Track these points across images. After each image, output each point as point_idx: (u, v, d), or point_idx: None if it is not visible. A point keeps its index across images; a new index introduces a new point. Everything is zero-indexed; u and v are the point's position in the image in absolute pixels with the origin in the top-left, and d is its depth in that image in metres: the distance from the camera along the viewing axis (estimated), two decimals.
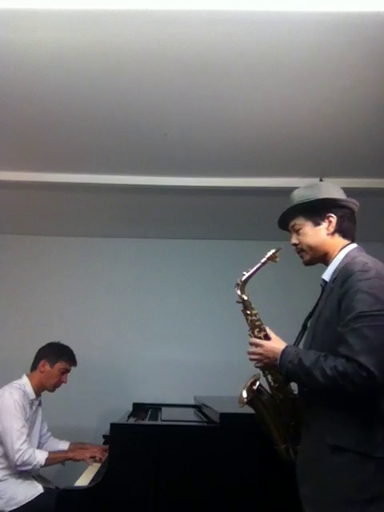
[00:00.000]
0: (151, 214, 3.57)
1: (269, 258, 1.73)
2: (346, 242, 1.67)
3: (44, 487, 2.48)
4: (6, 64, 1.99)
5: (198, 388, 3.32)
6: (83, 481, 2.26)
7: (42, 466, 2.45)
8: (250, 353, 1.67)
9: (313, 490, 1.51)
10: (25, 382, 2.63)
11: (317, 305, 1.68)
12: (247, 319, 1.74)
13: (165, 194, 3.17)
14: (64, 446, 2.82)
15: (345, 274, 1.53)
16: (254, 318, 1.73)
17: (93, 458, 2.58)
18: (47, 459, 2.46)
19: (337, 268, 1.60)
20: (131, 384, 3.65)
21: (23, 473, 2.45)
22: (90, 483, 2.15)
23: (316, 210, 1.68)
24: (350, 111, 2.28)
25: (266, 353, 1.63)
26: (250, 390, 1.72)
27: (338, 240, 1.67)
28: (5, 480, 2.44)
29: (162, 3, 1.68)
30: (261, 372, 1.73)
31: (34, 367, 2.70)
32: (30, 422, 2.62)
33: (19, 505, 2.37)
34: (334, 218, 1.66)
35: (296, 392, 1.71)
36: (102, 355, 3.76)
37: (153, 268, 4.00)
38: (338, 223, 1.66)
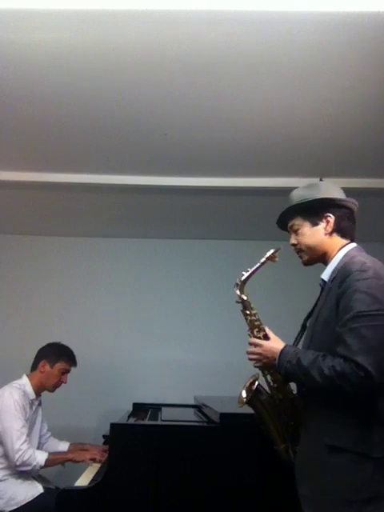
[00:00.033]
0: (151, 214, 3.57)
1: (268, 258, 1.73)
2: (345, 241, 1.67)
3: (44, 487, 2.48)
4: (5, 64, 1.99)
5: (198, 388, 3.32)
6: (83, 481, 2.26)
7: (41, 467, 2.45)
8: (248, 352, 1.67)
9: (311, 490, 1.51)
10: (25, 382, 2.63)
11: (316, 304, 1.68)
12: (246, 319, 1.74)
13: (165, 193, 3.17)
14: (64, 446, 2.82)
15: (343, 273, 1.53)
16: (253, 317, 1.73)
17: (93, 459, 2.58)
18: (47, 460, 2.45)
19: (336, 268, 1.60)
20: (131, 384, 3.64)
21: (23, 473, 2.45)
22: (90, 483, 2.15)
23: (314, 210, 1.68)
24: (349, 111, 2.28)
25: (264, 353, 1.63)
26: (249, 390, 1.72)
27: (337, 240, 1.67)
28: (5, 480, 2.44)
29: (162, 3, 1.68)
30: (260, 372, 1.73)
31: (34, 367, 2.70)
32: (30, 422, 2.62)
33: (19, 505, 2.37)
34: (331, 218, 1.66)
35: (295, 392, 1.71)
36: (102, 355, 3.76)
37: (153, 268, 4.00)
38: (336, 223, 1.66)
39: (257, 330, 1.70)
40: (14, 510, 2.36)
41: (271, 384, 1.72)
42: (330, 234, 1.66)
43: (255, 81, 2.07)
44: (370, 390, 1.40)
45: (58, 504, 1.98)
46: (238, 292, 1.75)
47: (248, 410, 1.77)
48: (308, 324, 1.69)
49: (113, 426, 2.08)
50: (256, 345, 1.66)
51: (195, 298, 3.95)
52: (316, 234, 1.67)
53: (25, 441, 2.43)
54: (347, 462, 1.43)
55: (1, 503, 2.37)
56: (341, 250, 1.64)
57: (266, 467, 1.95)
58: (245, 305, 1.75)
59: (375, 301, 1.43)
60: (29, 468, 2.41)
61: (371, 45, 1.84)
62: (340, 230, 1.66)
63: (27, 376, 2.67)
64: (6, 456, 2.44)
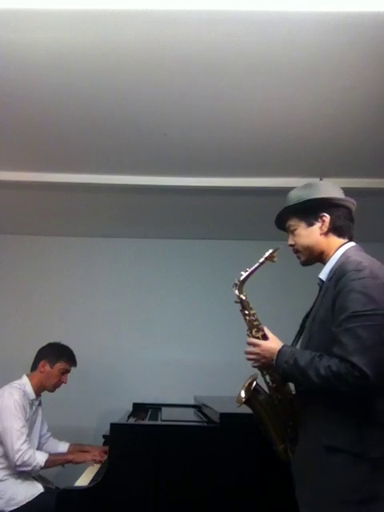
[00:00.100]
0: (151, 214, 3.57)
1: (267, 258, 1.73)
2: (342, 240, 1.66)
3: (44, 487, 2.48)
4: (5, 64, 1.99)
5: (198, 388, 3.32)
6: (83, 481, 2.26)
7: (41, 468, 2.45)
8: (247, 352, 1.67)
9: (308, 490, 1.51)
10: (25, 382, 2.63)
11: (314, 304, 1.68)
12: (245, 319, 1.74)
13: (165, 193, 3.17)
14: (64, 447, 2.82)
15: (339, 273, 1.53)
16: (252, 317, 1.72)
17: (93, 460, 2.58)
18: (47, 461, 2.45)
19: (333, 267, 1.60)
20: (131, 384, 3.64)
21: (23, 473, 2.45)
22: (90, 483, 2.15)
23: (309, 210, 1.67)
24: (350, 111, 2.28)
25: (262, 353, 1.63)
26: (247, 390, 1.72)
27: (334, 239, 1.66)
28: (5, 480, 2.44)
29: (162, 3, 1.68)
30: (259, 372, 1.73)
31: (34, 367, 2.70)
32: (30, 422, 2.62)
33: (19, 505, 2.37)
34: (327, 218, 1.65)
35: (295, 392, 1.71)
36: (102, 355, 3.76)
37: (153, 268, 4.00)
38: (332, 222, 1.65)
39: (255, 329, 1.70)
40: (14, 509, 2.36)
41: (270, 384, 1.71)
42: (326, 233, 1.66)
43: (255, 81, 2.07)
44: (366, 390, 1.40)
45: (58, 504, 1.98)
46: (236, 292, 1.75)
47: (248, 409, 1.77)
48: (306, 324, 1.69)
49: (113, 426, 2.08)
50: (254, 345, 1.66)
51: (195, 298, 3.95)
52: (312, 234, 1.67)
53: (25, 441, 2.43)
54: (344, 462, 1.43)
55: (1, 503, 2.37)
56: (339, 249, 1.64)
57: (265, 467, 1.95)
58: (243, 305, 1.75)
59: (371, 300, 1.43)
60: (29, 468, 2.41)
61: (371, 45, 1.84)
62: (336, 229, 1.66)
63: (27, 376, 2.67)
64: (6, 456, 2.44)
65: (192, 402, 3.13)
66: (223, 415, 2.04)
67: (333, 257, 1.64)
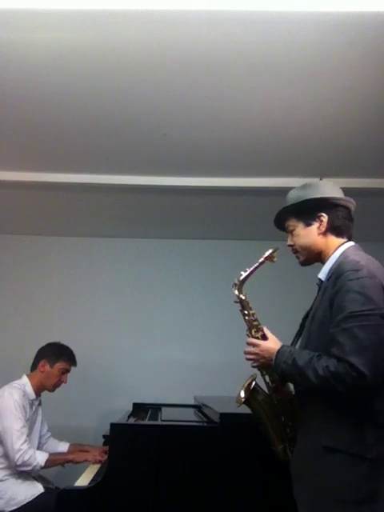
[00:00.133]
0: (151, 214, 3.57)
1: (266, 258, 1.73)
2: (341, 240, 1.66)
3: (44, 487, 2.48)
4: (5, 64, 1.99)
5: (198, 388, 3.32)
6: (83, 481, 2.26)
7: (41, 468, 2.45)
8: (246, 352, 1.67)
9: (307, 490, 1.51)
10: (25, 382, 2.63)
11: (313, 304, 1.68)
12: (245, 319, 1.74)
13: (165, 193, 3.16)
14: (64, 447, 2.82)
15: (337, 273, 1.53)
16: (251, 317, 1.73)
17: (93, 460, 2.58)
18: (47, 461, 2.46)
19: (332, 267, 1.60)
20: (131, 384, 3.64)
21: (23, 473, 2.45)
22: (90, 483, 2.15)
23: (307, 210, 1.67)
24: (350, 111, 2.28)
25: (261, 353, 1.63)
26: (247, 390, 1.72)
27: (332, 239, 1.66)
28: (5, 480, 2.44)
29: (162, 3, 1.68)
30: (259, 372, 1.73)
31: (33, 367, 2.70)
32: (30, 422, 2.62)
33: (19, 505, 2.37)
34: (325, 218, 1.65)
35: (294, 392, 1.71)
36: (102, 355, 3.76)
37: (153, 268, 4.00)
38: (330, 222, 1.65)
39: (255, 329, 1.70)
40: (15, 509, 2.36)
41: (269, 384, 1.72)
42: (325, 233, 1.66)
43: (255, 81, 2.07)
44: (364, 390, 1.40)
45: (58, 504, 1.98)
46: (236, 292, 1.75)
47: (248, 409, 1.77)
48: (305, 324, 1.69)
49: (113, 425, 2.08)
50: (253, 345, 1.66)
51: (195, 298, 3.95)
52: (310, 234, 1.67)
53: (25, 441, 2.43)
54: (342, 462, 1.43)
55: (1, 503, 2.38)
56: (338, 249, 1.64)
57: (265, 467, 1.95)
58: (243, 305, 1.75)
59: (368, 300, 1.43)
60: (29, 468, 2.41)
61: (371, 45, 1.84)
62: (334, 229, 1.66)
63: (27, 376, 2.67)
64: (6, 456, 2.44)
65: (192, 402, 3.13)
66: (223, 415, 2.04)
67: (332, 256, 1.64)
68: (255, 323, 1.72)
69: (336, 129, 2.43)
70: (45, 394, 2.76)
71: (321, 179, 2.74)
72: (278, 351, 1.58)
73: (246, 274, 1.74)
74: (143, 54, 1.92)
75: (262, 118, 2.36)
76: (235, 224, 3.72)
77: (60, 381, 2.69)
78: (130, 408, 3.15)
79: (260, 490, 1.98)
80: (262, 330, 1.70)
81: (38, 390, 2.68)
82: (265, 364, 1.65)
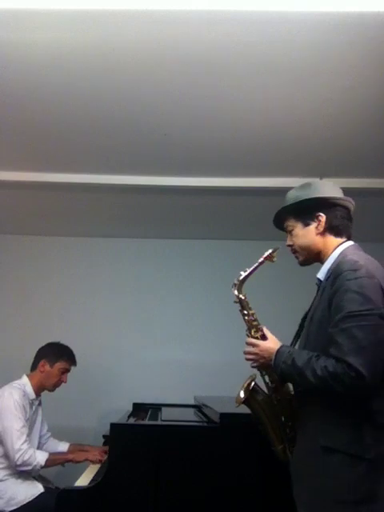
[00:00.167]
0: (151, 214, 3.57)
1: (266, 258, 1.73)
2: (340, 240, 1.65)
3: (44, 487, 2.48)
4: (5, 64, 1.99)
5: (198, 388, 3.32)
6: (83, 481, 2.26)
7: (41, 467, 2.45)
8: (246, 353, 1.67)
9: (306, 490, 1.51)
10: (25, 382, 2.63)
11: (312, 304, 1.67)
12: (244, 319, 1.74)
13: (165, 193, 3.17)
14: (64, 447, 2.82)
15: (336, 272, 1.53)
16: (251, 317, 1.72)
17: (93, 460, 2.58)
18: (47, 460, 2.46)
19: (331, 267, 1.60)
20: (131, 384, 3.64)
21: (23, 473, 2.46)
22: (90, 483, 2.16)
23: (305, 210, 1.67)
24: (350, 111, 2.28)
25: (261, 353, 1.63)
26: (246, 390, 1.72)
27: (331, 239, 1.66)
28: (5, 480, 2.44)
29: (162, 3, 1.68)
30: (258, 372, 1.73)
31: (33, 367, 2.70)
32: (30, 422, 2.62)
33: (19, 505, 2.37)
34: (323, 217, 1.65)
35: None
36: (102, 355, 3.76)
37: (153, 268, 4.00)
38: (328, 222, 1.65)
39: (254, 330, 1.70)
40: (15, 509, 2.36)
41: (269, 384, 1.71)
42: (323, 233, 1.65)
43: (255, 81, 2.07)
44: (362, 390, 1.40)
45: (58, 504, 1.98)
46: (235, 292, 1.75)
47: (248, 410, 1.77)
48: (304, 324, 1.69)
49: (113, 425, 2.08)
50: (253, 345, 1.66)
51: (195, 298, 3.95)
52: (308, 234, 1.67)
53: (25, 441, 2.43)
54: (340, 462, 1.42)
55: (1, 503, 2.38)
56: (337, 248, 1.63)
57: (265, 467, 1.95)
58: (242, 305, 1.75)
59: (367, 300, 1.42)
60: (29, 468, 2.41)
61: (371, 45, 1.84)
62: (333, 228, 1.65)
63: (27, 376, 2.67)
64: (6, 456, 2.44)
65: (192, 402, 3.13)
66: (223, 415, 2.04)
67: (330, 256, 1.63)
68: (255, 323, 1.71)
69: (336, 129, 2.43)
70: (45, 394, 2.76)
71: (321, 179, 2.74)
72: (278, 351, 1.58)
73: (246, 274, 1.74)
74: (143, 54, 1.92)
75: (262, 118, 2.36)
76: (235, 224, 3.72)
77: (60, 380, 2.69)
78: (130, 408, 3.15)
79: (260, 490, 1.98)
80: (262, 330, 1.69)
81: (38, 390, 2.68)
82: (264, 364, 1.65)
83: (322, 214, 1.65)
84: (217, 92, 2.15)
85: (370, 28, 1.74)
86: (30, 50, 1.91)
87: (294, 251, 1.72)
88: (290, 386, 1.69)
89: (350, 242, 1.66)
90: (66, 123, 2.43)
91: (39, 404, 2.74)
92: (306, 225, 1.67)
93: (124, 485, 1.97)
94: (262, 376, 1.72)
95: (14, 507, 2.37)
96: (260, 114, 2.32)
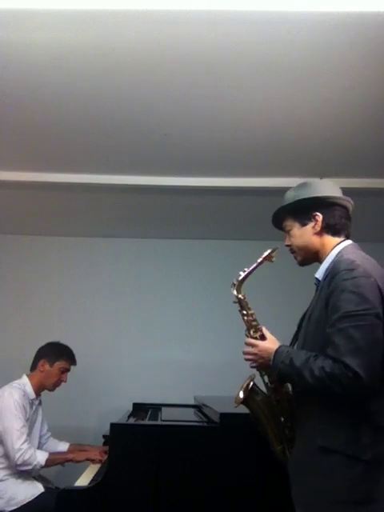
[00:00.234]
0: (151, 214, 3.57)
1: (265, 258, 1.72)
2: (338, 239, 1.65)
3: (44, 487, 2.48)
4: (5, 64, 1.99)
5: (198, 388, 3.32)
6: (83, 481, 2.26)
7: (42, 467, 2.45)
8: (245, 353, 1.67)
9: (304, 490, 1.51)
10: (25, 382, 2.63)
11: (311, 304, 1.67)
12: (244, 319, 1.74)
13: (165, 193, 3.16)
14: (64, 447, 2.82)
15: (333, 272, 1.52)
16: (250, 318, 1.72)
17: (93, 460, 2.58)
18: (47, 460, 2.46)
19: (329, 266, 1.59)
20: (131, 384, 3.64)
21: (23, 473, 2.46)
22: (90, 483, 2.16)
23: (302, 209, 1.67)
24: (350, 111, 2.28)
25: (260, 353, 1.62)
26: (245, 391, 1.72)
27: (328, 239, 1.65)
28: (5, 480, 2.44)
29: (162, 3, 1.68)
30: (258, 372, 1.73)
31: (33, 367, 2.70)
32: (30, 422, 2.62)
33: (19, 504, 2.37)
34: (320, 217, 1.64)
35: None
36: (102, 355, 3.76)
37: (153, 268, 4.00)
38: (325, 221, 1.64)
39: (254, 330, 1.70)
40: (15, 509, 2.36)
41: (268, 385, 1.71)
42: (320, 233, 1.65)
43: (255, 81, 2.07)
44: (360, 390, 1.39)
45: (58, 504, 1.98)
46: (234, 292, 1.75)
47: (248, 410, 1.77)
48: (302, 324, 1.68)
49: (113, 425, 2.08)
50: (252, 345, 1.65)
51: (195, 298, 3.95)
52: (305, 233, 1.66)
53: (25, 440, 2.43)
54: (338, 463, 1.42)
55: (1, 503, 2.38)
56: (335, 248, 1.63)
57: (265, 467, 1.95)
58: (242, 305, 1.75)
59: (363, 300, 1.42)
60: (29, 468, 2.41)
61: (371, 45, 1.84)
62: (330, 228, 1.65)
63: (27, 376, 2.67)
64: (6, 456, 2.44)
65: (192, 402, 3.13)
66: (223, 415, 2.04)
67: (329, 256, 1.62)
68: (254, 323, 1.71)
69: (336, 129, 2.43)
70: (45, 394, 2.76)
71: (321, 179, 2.74)
72: (276, 351, 1.58)
73: (245, 274, 1.74)
74: (143, 54, 1.92)
75: (262, 118, 2.36)
76: (235, 224, 3.72)
77: (60, 380, 2.69)
78: (130, 408, 3.14)
79: (260, 490, 1.98)
80: (261, 330, 1.69)
81: (38, 390, 2.68)
82: (263, 364, 1.65)
83: (318, 213, 1.64)
84: (217, 92, 2.15)
85: (370, 28, 1.74)
86: (29, 49, 1.91)
87: (293, 251, 1.72)
88: (290, 386, 1.69)
89: (349, 242, 1.65)
90: (66, 123, 2.43)
91: (39, 404, 2.74)
92: (304, 224, 1.67)
93: (124, 485, 1.97)
94: (262, 376, 1.72)
95: (14, 507, 2.37)
96: (260, 113, 2.32)
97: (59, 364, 2.67)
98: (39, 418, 2.75)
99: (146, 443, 2.03)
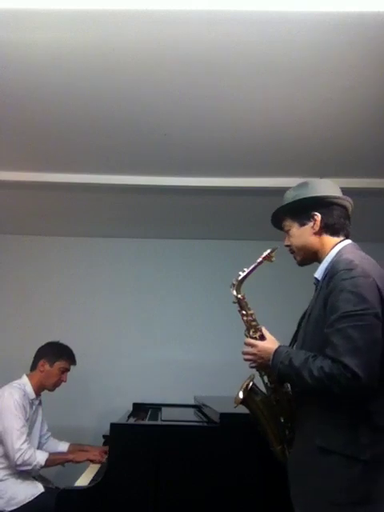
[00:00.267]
0: (151, 214, 3.57)
1: (264, 258, 1.72)
2: (337, 239, 1.64)
3: (44, 487, 2.48)
4: (5, 64, 1.99)
5: (198, 388, 3.32)
6: (83, 481, 2.26)
7: (42, 467, 2.45)
8: (244, 353, 1.66)
9: (302, 491, 1.51)
10: (25, 382, 2.63)
11: (310, 304, 1.67)
12: (243, 319, 1.74)
13: (165, 193, 3.16)
14: (64, 447, 2.82)
15: (331, 272, 1.52)
16: (249, 318, 1.72)
17: (93, 460, 2.58)
18: (47, 460, 2.46)
19: (328, 266, 1.59)
20: (131, 384, 3.64)
21: (23, 473, 2.46)
22: (90, 483, 2.16)
23: (301, 209, 1.67)
24: (350, 111, 2.28)
25: (259, 353, 1.62)
26: (245, 391, 1.72)
27: (327, 238, 1.64)
28: (5, 480, 2.44)
29: (162, 3, 1.68)
30: (257, 372, 1.73)
31: (33, 367, 2.70)
32: (30, 422, 2.62)
33: (20, 504, 2.37)
34: (318, 217, 1.64)
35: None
36: (102, 355, 3.76)
37: (153, 268, 4.00)
38: (324, 221, 1.64)
39: (253, 330, 1.70)
40: (15, 509, 2.36)
41: (268, 385, 1.71)
42: (319, 232, 1.64)
43: (255, 81, 2.07)
44: (359, 391, 1.38)
45: (58, 504, 1.98)
46: (234, 292, 1.75)
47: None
48: (301, 324, 1.68)
49: (113, 425, 2.08)
50: (251, 345, 1.65)
51: (195, 298, 3.95)
52: (304, 233, 1.66)
53: (25, 440, 2.43)
54: (337, 463, 1.42)
55: (1, 503, 2.38)
56: (334, 248, 1.62)
57: (265, 467, 1.95)
58: (241, 305, 1.75)
59: (362, 300, 1.41)
60: (29, 468, 2.41)
61: (371, 45, 1.84)
62: (329, 227, 1.64)
63: (27, 376, 2.67)
64: (6, 456, 2.44)
65: (192, 402, 3.13)
66: (223, 415, 2.04)
67: (328, 256, 1.62)
68: (253, 323, 1.71)
69: (336, 129, 2.43)
70: (45, 394, 2.76)
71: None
72: (276, 351, 1.57)
73: (244, 274, 1.74)
74: (143, 54, 1.92)
75: (262, 118, 2.36)
76: (235, 224, 3.72)
77: (60, 380, 2.69)
78: (130, 408, 3.14)
79: (260, 490, 1.98)
80: (261, 331, 1.69)
81: (38, 390, 2.68)
82: (262, 364, 1.64)
83: (317, 213, 1.64)
84: (217, 92, 2.15)
85: (370, 28, 1.74)
86: (30, 49, 1.91)
87: (292, 251, 1.72)
88: (289, 386, 1.69)
89: (348, 241, 1.64)
90: (66, 123, 2.43)
91: (39, 404, 2.74)
92: (302, 224, 1.67)
93: (124, 485, 1.97)
94: (261, 376, 1.71)
95: (14, 507, 2.37)
96: (260, 113, 2.32)
97: (59, 364, 2.67)
98: (39, 418, 2.75)
99: (146, 443, 2.03)
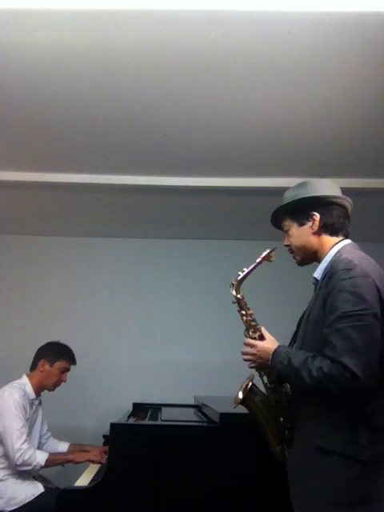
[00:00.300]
0: (151, 214, 3.57)
1: (264, 258, 1.72)
2: (336, 239, 1.64)
3: (44, 487, 2.48)
4: (5, 64, 1.99)
5: (198, 388, 3.32)
6: (83, 481, 2.26)
7: (42, 467, 2.45)
8: (243, 353, 1.66)
9: (302, 491, 1.51)
10: (25, 382, 2.63)
11: (310, 304, 1.66)
12: (242, 319, 1.73)
13: (165, 193, 3.16)
14: (64, 447, 2.82)
15: (330, 272, 1.52)
16: (249, 318, 1.72)
17: (93, 460, 2.58)
18: (47, 460, 2.46)
19: (327, 266, 1.58)
20: (131, 384, 3.64)
21: (23, 473, 2.46)
22: (90, 483, 2.16)
23: (299, 209, 1.66)
24: (350, 111, 2.28)
25: (258, 353, 1.62)
26: (244, 391, 1.72)
27: (327, 238, 1.64)
28: (5, 480, 2.44)
29: (162, 3, 1.68)
30: (257, 373, 1.73)
31: (33, 367, 2.70)
32: (30, 422, 2.62)
33: (20, 504, 2.37)
34: (317, 217, 1.63)
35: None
36: (102, 355, 3.76)
37: (153, 268, 4.00)
38: (322, 221, 1.63)
39: (252, 330, 1.70)
40: (15, 509, 2.37)
41: (268, 385, 1.71)
42: (318, 232, 1.64)
43: (255, 81, 2.07)
44: (358, 391, 1.38)
45: (58, 504, 1.98)
46: (233, 292, 1.75)
47: None
48: (301, 324, 1.68)
49: (113, 425, 2.08)
50: (251, 345, 1.65)
51: (195, 298, 3.95)
52: (303, 233, 1.66)
53: (25, 440, 2.43)
54: (335, 464, 1.42)
55: (1, 503, 2.38)
56: (333, 247, 1.62)
57: (265, 467, 1.95)
58: (241, 305, 1.75)
59: (361, 300, 1.41)
60: (29, 468, 2.41)
61: (371, 45, 1.84)
62: (328, 227, 1.64)
63: (27, 376, 2.67)
64: (6, 456, 2.44)
65: (192, 402, 3.13)
66: (223, 415, 2.04)
67: (327, 255, 1.62)
68: (253, 323, 1.71)
69: (336, 129, 2.43)
70: (45, 394, 2.76)
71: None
72: (275, 351, 1.57)
73: (244, 274, 1.74)
74: (143, 54, 1.92)
75: (262, 118, 2.36)
76: (235, 224, 3.72)
77: (60, 380, 2.69)
78: (130, 408, 3.14)
79: (260, 490, 1.98)
80: (260, 331, 1.69)
81: (38, 390, 2.68)
82: (262, 364, 1.64)
83: (316, 213, 1.64)
84: (217, 92, 2.15)
85: (370, 28, 1.74)
86: (30, 50, 1.91)
87: (291, 251, 1.72)
88: (289, 386, 1.69)
89: (348, 241, 1.64)
90: (66, 123, 2.43)
91: (39, 404, 2.75)
92: (301, 224, 1.66)
93: (124, 485, 1.97)
94: (261, 377, 1.71)
95: (14, 507, 2.37)
96: (260, 113, 2.32)
97: (59, 364, 2.67)
98: (39, 418, 2.75)
99: (145, 443, 2.03)
